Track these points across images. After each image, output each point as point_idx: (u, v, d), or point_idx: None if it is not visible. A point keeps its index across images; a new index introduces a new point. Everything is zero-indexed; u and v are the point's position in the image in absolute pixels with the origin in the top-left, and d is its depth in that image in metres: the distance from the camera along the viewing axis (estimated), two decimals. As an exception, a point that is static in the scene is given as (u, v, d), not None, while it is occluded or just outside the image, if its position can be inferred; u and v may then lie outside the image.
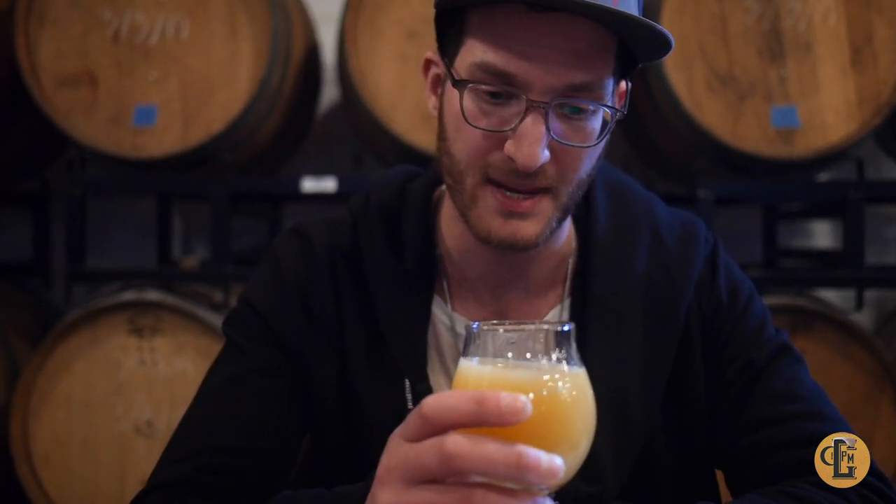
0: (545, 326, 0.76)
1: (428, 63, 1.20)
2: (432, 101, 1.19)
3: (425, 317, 1.19)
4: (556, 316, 1.22)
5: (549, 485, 0.70)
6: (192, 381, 2.69)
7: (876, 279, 2.92)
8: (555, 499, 1.10)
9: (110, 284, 3.08)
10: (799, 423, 1.13)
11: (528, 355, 0.75)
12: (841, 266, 2.85)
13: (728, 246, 1.31)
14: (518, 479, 0.69)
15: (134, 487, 2.80)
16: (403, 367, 1.16)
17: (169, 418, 2.72)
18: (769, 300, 2.67)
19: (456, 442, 0.69)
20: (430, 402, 0.71)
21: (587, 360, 1.15)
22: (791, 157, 2.66)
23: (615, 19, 1.01)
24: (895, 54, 2.64)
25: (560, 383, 0.74)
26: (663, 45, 1.04)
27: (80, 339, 2.75)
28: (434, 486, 0.71)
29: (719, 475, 1.25)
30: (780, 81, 2.65)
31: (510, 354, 0.75)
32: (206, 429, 1.14)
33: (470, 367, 0.76)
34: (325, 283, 1.21)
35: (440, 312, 1.21)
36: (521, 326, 0.76)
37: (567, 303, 1.23)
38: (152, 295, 2.77)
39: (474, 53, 1.06)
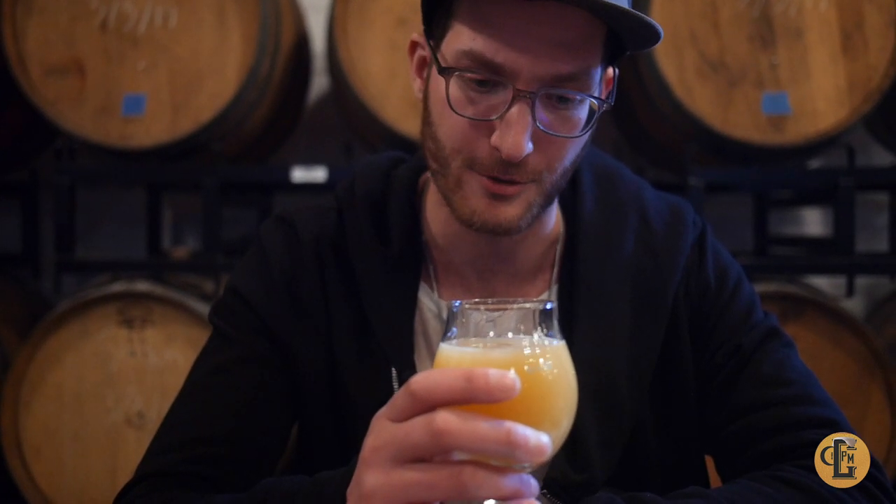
0: (527, 305, 0.76)
1: (414, 45, 1.19)
2: (417, 84, 1.18)
3: (412, 304, 1.19)
4: (544, 301, 1.22)
5: (534, 462, 0.70)
6: (182, 371, 2.64)
7: (866, 266, 2.93)
8: (542, 488, 1.11)
9: (100, 275, 3.07)
10: (788, 408, 1.13)
11: (510, 334, 0.75)
12: (832, 253, 2.85)
13: (719, 233, 1.31)
14: (506, 456, 0.69)
15: (125, 479, 2.77)
16: (390, 354, 1.16)
17: (160, 409, 2.71)
18: (760, 287, 2.67)
19: (446, 419, 0.69)
20: (418, 380, 0.71)
21: (575, 345, 1.16)
22: (782, 144, 2.66)
23: (605, 10, 1.00)
24: (886, 40, 2.63)
25: (542, 362, 0.73)
26: (652, 36, 1.04)
27: (70, 331, 2.73)
28: (422, 465, 0.71)
29: (709, 461, 1.25)
30: (771, 68, 2.65)
31: (492, 333, 0.75)
32: (193, 419, 1.13)
33: (451, 347, 0.76)
34: (310, 270, 1.20)
35: (427, 299, 1.21)
36: (504, 305, 0.76)
37: (555, 288, 1.22)
38: (142, 286, 2.76)
39: (461, 40, 1.05)
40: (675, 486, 1.03)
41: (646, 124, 3.05)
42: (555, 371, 0.74)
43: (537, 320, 0.75)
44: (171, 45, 2.74)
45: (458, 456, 0.71)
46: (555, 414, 0.74)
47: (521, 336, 0.75)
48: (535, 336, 0.75)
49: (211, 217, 2.82)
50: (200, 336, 2.67)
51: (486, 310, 0.76)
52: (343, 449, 1.19)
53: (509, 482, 0.70)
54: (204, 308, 2.74)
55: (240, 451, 1.12)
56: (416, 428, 0.71)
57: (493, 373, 0.69)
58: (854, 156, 2.81)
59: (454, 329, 0.76)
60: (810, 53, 2.65)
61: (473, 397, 0.69)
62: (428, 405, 0.71)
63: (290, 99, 3.18)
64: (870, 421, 2.64)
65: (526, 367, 0.72)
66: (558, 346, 0.76)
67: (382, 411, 0.75)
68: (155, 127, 2.74)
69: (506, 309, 0.75)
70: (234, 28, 2.75)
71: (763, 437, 1.12)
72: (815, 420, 1.10)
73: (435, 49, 1.10)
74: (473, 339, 0.75)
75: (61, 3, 2.75)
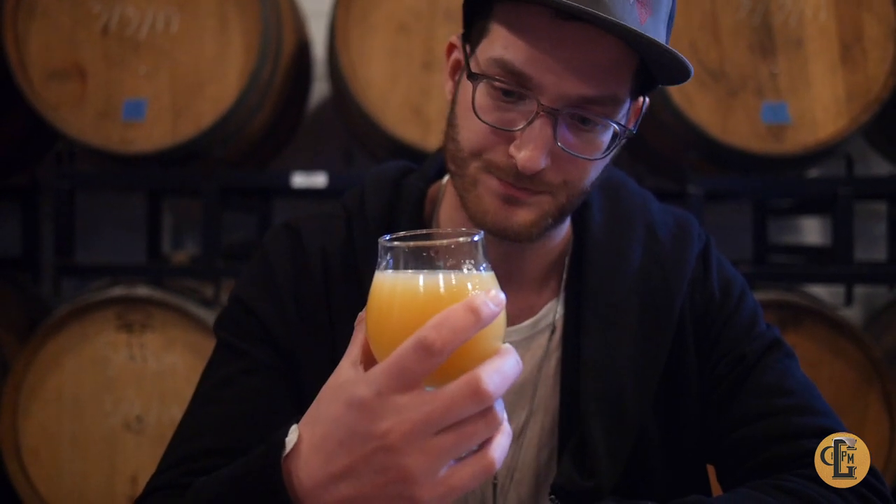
0: (458, 238, 0.76)
1: (451, 48, 1.19)
2: (449, 86, 1.18)
3: None
4: (552, 310, 1.22)
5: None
6: (181, 376, 2.68)
7: (865, 275, 2.94)
8: (550, 493, 1.11)
9: (99, 280, 3.07)
10: (790, 417, 1.13)
11: (440, 264, 0.75)
12: (830, 262, 2.86)
13: (718, 242, 1.32)
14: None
15: (123, 483, 2.80)
16: None
17: (158, 414, 2.71)
18: (759, 296, 2.68)
19: (491, 381, 0.71)
20: (434, 336, 0.70)
21: (583, 354, 1.16)
22: (781, 154, 2.67)
23: (638, 40, 1.00)
24: (885, 51, 2.64)
25: (471, 285, 0.74)
26: (682, 72, 1.04)
27: (70, 335, 2.74)
28: (455, 425, 0.72)
29: (710, 470, 1.25)
30: (771, 77, 2.65)
31: (422, 265, 0.75)
32: (201, 432, 1.13)
33: (384, 278, 0.76)
34: (315, 279, 1.20)
35: (434, 309, 1.21)
36: (432, 241, 0.76)
37: (562, 297, 1.23)
38: (142, 290, 2.76)
39: (494, 48, 1.06)
40: (677, 494, 1.04)
41: (645, 133, 3.05)
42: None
43: (466, 252, 0.76)
44: (173, 50, 2.74)
45: None
46: (500, 335, 0.76)
47: (451, 267, 0.75)
48: (464, 267, 0.76)
49: (211, 222, 2.83)
50: (200, 341, 2.67)
51: (415, 244, 0.76)
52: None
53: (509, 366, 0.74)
54: (203, 313, 2.75)
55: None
56: (461, 399, 0.70)
57: (483, 294, 0.71)
58: (853, 165, 2.82)
59: (389, 261, 0.77)
60: (810, 63, 2.66)
61: (481, 325, 0.71)
62: (445, 357, 0.70)
63: (290, 105, 3.18)
64: (868, 429, 2.65)
65: (458, 289, 0.74)
66: (487, 276, 0.77)
67: (382, 386, 0.72)
68: (156, 132, 2.74)
69: (434, 242, 0.76)
70: (236, 34, 2.76)
71: (764, 446, 1.12)
72: (816, 430, 1.11)
73: (469, 54, 1.11)
74: (404, 271, 0.76)
75: (63, 8, 2.75)
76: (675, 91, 2.64)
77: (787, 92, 2.66)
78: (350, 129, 3.23)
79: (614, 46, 1.03)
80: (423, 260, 0.75)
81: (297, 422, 0.82)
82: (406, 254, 0.76)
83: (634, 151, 3.37)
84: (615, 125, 1.07)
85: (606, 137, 1.08)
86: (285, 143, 3.46)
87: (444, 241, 0.76)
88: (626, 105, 1.08)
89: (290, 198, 3.47)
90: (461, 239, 0.76)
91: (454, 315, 0.70)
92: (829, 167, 3.09)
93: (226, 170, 2.88)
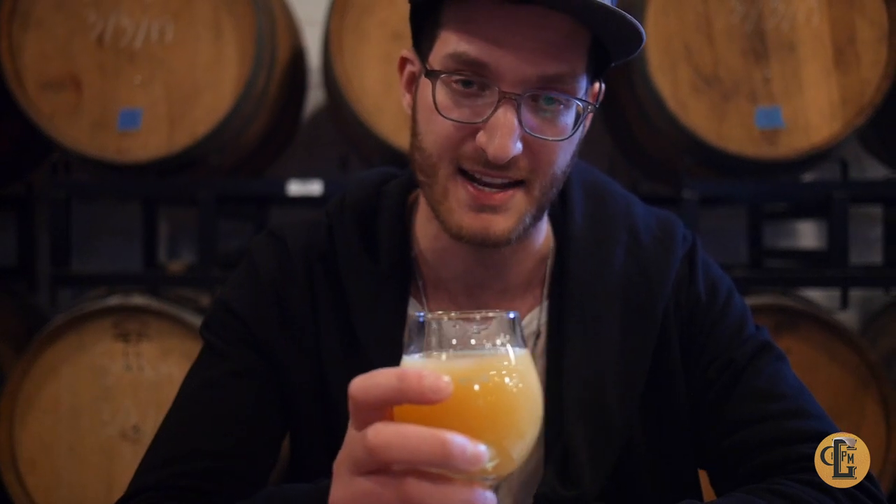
0: (490, 314, 0.76)
1: (403, 61, 1.20)
2: (406, 100, 1.19)
3: (401, 318, 1.19)
4: (535, 318, 1.22)
5: (471, 471, 0.69)
6: (178, 385, 2.66)
7: (860, 279, 2.94)
8: (533, 503, 1.11)
9: (96, 289, 3.07)
10: (782, 421, 1.13)
11: (473, 343, 0.75)
12: (826, 266, 2.86)
13: (713, 246, 1.32)
14: (444, 466, 0.68)
15: (121, 492, 2.78)
16: (378, 368, 1.16)
17: (155, 423, 2.66)
18: (755, 300, 2.68)
19: (377, 433, 0.69)
20: (355, 382, 0.71)
21: (565, 362, 1.16)
22: (775, 158, 2.67)
23: (586, 10, 1.01)
24: (878, 54, 2.65)
25: (503, 372, 0.73)
26: (634, 37, 1.05)
27: (66, 344, 2.73)
28: (373, 477, 0.71)
29: (702, 475, 1.25)
30: (765, 82, 2.66)
31: (454, 344, 0.75)
32: (186, 433, 1.14)
33: (412, 359, 0.76)
34: (300, 284, 1.21)
35: (416, 315, 1.21)
36: (466, 316, 0.76)
37: (545, 305, 1.22)
38: (138, 299, 2.75)
39: (448, 45, 1.07)
40: (668, 501, 1.04)
41: (640, 138, 3.06)
42: (518, 381, 0.74)
43: (501, 330, 0.75)
44: (168, 59, 2.75)
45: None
46: (520, 424, 0.74)
47: (483, 347, 0.75)
48: (498, 346, 0.75)
49: (207, 230, 2.83)
50: (196, 350, 2.65)
51: (448, 320, 0.75)
52: (333, 460, 1.19)
53: (459, 494, 0.70)
54: (200, 322, 2.74)
55: (232, 464, 1.12)
56: (357, 443, 0.71)
57: (427, 374, 0.69)
58: (847, 169, 2.83)
59: (418, 341, 0.76)
60: (803, 67, 2.66)
61: (406, 397, 0.69)
62: (366, 407, 0.71)
63: (285, 113, 3.19)
64: (864, 433, 2.65)
65: (486, 377, 0.72)
66: (520, 356, 0.75)
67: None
68: (151, 141, 2.74)
69: (468, 319, 0.75)
70: (230, 42, 2.76)
71: (758, 452, 1.12)
72: (810, 433, 1.11)
73: (423, 60, 1.11)
74: (435, 351, 0.75)
75: (58, 18, 2.75)
76: (669, 97, 2.64)
77: (780, 96, 2.66)
78: (345, 137, 3.23)
79: (565, 24, 1.04)
80: (450, 339, 0.75)
81: None
82: (433, 331, 0.76)
83: (630, 157, 3.38)
84: (577, 102, 1.08)
85: (570, 119, 1.09)
86: (281, 150, 3.47)
87: (474, 319, 0.75)
88: (584, 83, 1.09)
89: (286, 205, 3.48)
90: (491, 314, 0.76)
91: (380, 373, 0.71)
92: (824, 171, 3.10)
93: (222, 178, 2.88)
